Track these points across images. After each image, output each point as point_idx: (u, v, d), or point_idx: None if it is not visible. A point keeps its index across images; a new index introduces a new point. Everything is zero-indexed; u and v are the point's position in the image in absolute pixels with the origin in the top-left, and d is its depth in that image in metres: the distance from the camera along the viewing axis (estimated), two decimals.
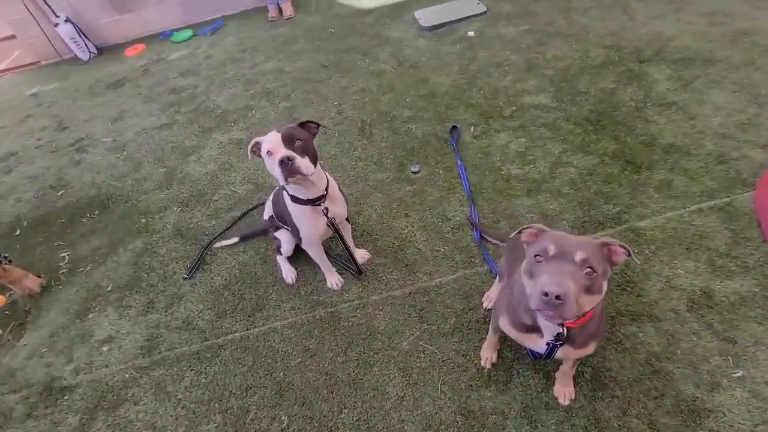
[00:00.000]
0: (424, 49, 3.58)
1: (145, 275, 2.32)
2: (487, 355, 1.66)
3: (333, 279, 2.04)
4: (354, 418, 1.62)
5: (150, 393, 1.83)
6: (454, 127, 2.67)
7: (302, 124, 1.61)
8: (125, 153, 3.24)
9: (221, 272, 2.23)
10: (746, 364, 1.49)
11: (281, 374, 1.79)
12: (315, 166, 1.55)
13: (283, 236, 2.03)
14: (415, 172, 2.51)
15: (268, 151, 1.48)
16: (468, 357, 1.69)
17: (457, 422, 1.54)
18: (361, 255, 2.10)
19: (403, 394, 1.65)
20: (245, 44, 4.34)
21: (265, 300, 2.06)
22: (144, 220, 2.64)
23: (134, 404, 1.81)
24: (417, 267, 2.04)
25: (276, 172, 1.47)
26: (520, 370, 1.62)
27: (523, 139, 2.51)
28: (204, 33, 4.81)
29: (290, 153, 1.43)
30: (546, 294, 0.93)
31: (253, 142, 1.57)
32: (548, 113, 2.61)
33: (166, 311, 2.13)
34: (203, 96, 3.69)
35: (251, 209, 2.51)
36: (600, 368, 1.56)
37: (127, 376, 1.90)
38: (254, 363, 1.85)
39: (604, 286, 1.01)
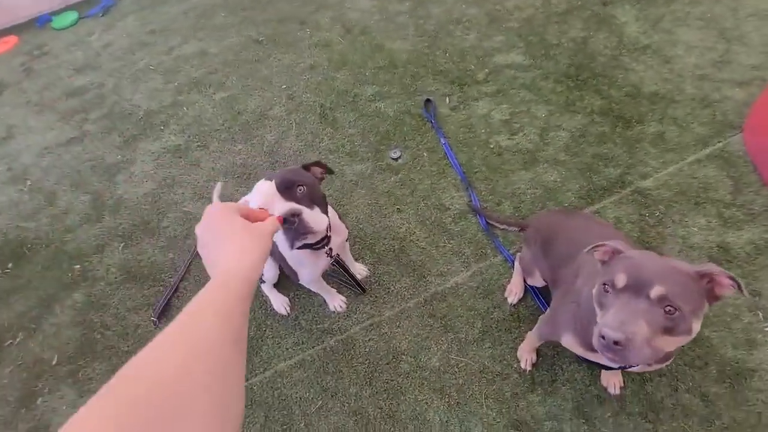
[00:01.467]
0: (369, 10, 3.16)
1: (99, 336, 1.90)
2: (527, 356, 1.54)
3: (335, 301, 1.78)
4: None
5: None
6: (428, 100, 2.40)
7: (304, 167, 1.23)
8: (29, 183, 2.59)
9: None
10: None
11: (302, 425, 1.56)
12: (327, 217, 1.19)
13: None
14: (395, 159, 2.23)
15: (260, 208, 1.07)
16: (506, 362, 1.57)
17: None
18: (358, 271, 1.83)
19: (446, 418, 1.50)
20: (152, 23, 3.60)
21: (260, 340, 1.77)
22: (78, 266, 2.15)
23: None
24: (426, 269, 1.83)
25: (277, 236, 1.10)
26: (563, 366, 1.52)
27: (504, 106, 2.31)
28: (93, 14, 3.92)
29: (294, 206, 1.04)
30: (603, 337, 0.79)
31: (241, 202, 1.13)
32: (525, 72, 2.42)
33: None
34: (114, 95, 3.02)
35: None
36: None
37: None
38: (267, 418, 1.59)
39: (695, 326, 0.82)
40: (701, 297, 0.82)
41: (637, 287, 0.81)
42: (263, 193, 1.05)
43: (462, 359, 1.60)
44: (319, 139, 2.41)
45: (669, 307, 0.79)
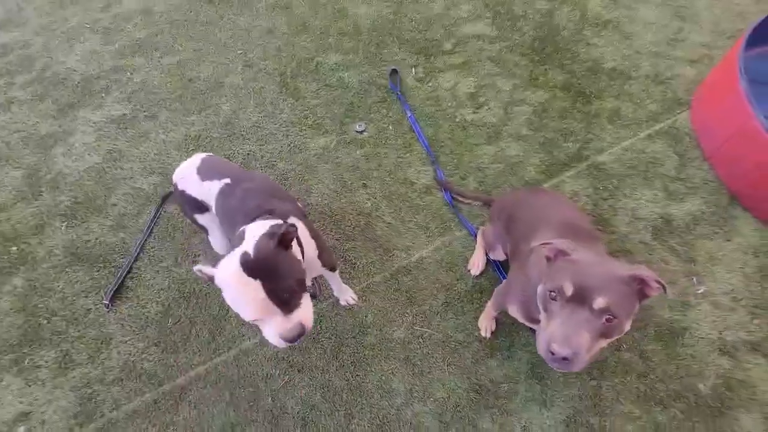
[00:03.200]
0: None
1: (45, 322, 1.78)
2: (486, 325, 1.61)
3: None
4: (366, 425, 1.50)
5: None
6: (394, 70, 2.33)
7: (277, 236, 0.99)
8: None
9: (153, 297, 1.80)
10: (706, 279, 1.66)
11: (269, 400, 1.56)
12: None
13: (213, 229, 1.53)
14: (360, 132, 2.18)
15: (255, 319, 0.98)
16: (467, 331, 1.63)
17: (472, 400, 1.51)
18: (345, 297, 1.70)
19: (410, 386, 1.55)
20: None
21: (222, 319, 1.73)
22: (15, 248, 1.97)
23: None
24: (391, 244, 1.84)
25: (269, 339, 1.01)
26: (520, 332, 1.61)
27: (471, 78, 2.29)
28: None
29: (301, 327, 0.98)
30: (552, 352, 0.85)
31: (202, 273, 1.00)
32: (491, 44, 2.39)
33: (92, 362, 1.68)
34: (45, 57, 2.69)
35: (162, 201, 1.95)
36: None
37: None
38: (233, 396, 1.58)
39: (627, 326, 0.89)
40: (634, 299, 0.89)
41: (581, 298, 0.87)
42: (254, 302, 0.94)
43: (426, 330, 1.65)
44: (280, 110, 2.29)
45: (609, 316, 0.86)
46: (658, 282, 0.87)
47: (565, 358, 0.85)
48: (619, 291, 0.87)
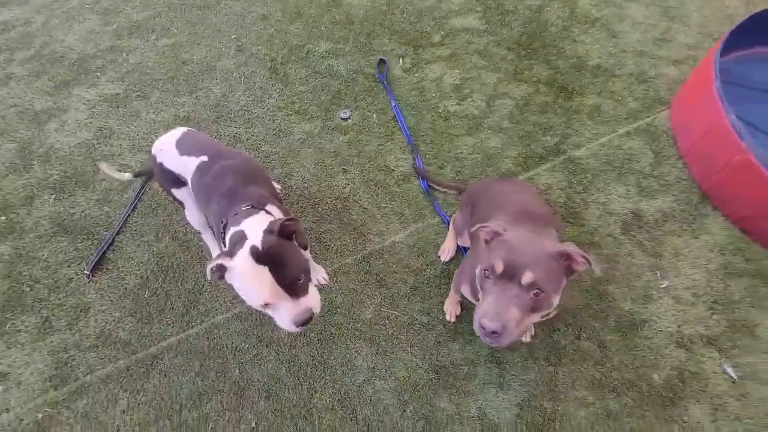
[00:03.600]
0: None
1: (28, 289, 1.84)
2: (451, 308, 1.64)
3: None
4: (327, 400, 1.55)
5: (78, 428, 1.55)
6: (382, 60, 2.36)
7: (276, 231, 1.08)
8: None
9: (133, 269, 1.85)
10: (669, 274, 1.69)
11: (237, 372, 1.62)
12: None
13: (189, 204, 1.56)
14: (345, 119, 2.22)
15: (265, 303, 1.05)
16: (432, 314, 1.67)
17: (431, 380, 1.56)
18: (317, 277, 1.74)
19: (373, 364, 1.60)
20: None
21: (197, 294, 1.78)
22: (4, 218, 2.04)
23: None
24: (366, 228, 1.88)
25: (280, 324, 1.09)
26: None
27: (456, 71, 2.32)
28: None
29: (310, 310, 1.07)
30: (483, 327, 0.90)
31: (214, 264, 1.06)
32: (480, 38, 2.41)
33: (70, 328, 1.74)
34: (44, 35, 2.76)
35: (145, 179, 2.02)
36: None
37: (39, 416, 1.57)
38: (202, 366, 1.63)
39: (555, 300, 0.95)
40: (562, 274, 0.95)
41: (510, 275, 0.92)
42: (264, 286, 1.02)
43: (393, 312, 1.69)
44: (268, 95, 2.34)
45: (536, 290, 0.91)
46: (584, 257, 0.92)
47: (495, 332, 0.89)
48: (546, 267, 0.91)
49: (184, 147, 1.47)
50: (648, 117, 2.07)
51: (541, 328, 1.61)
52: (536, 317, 0.95)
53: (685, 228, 1.77)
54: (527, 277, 0.89)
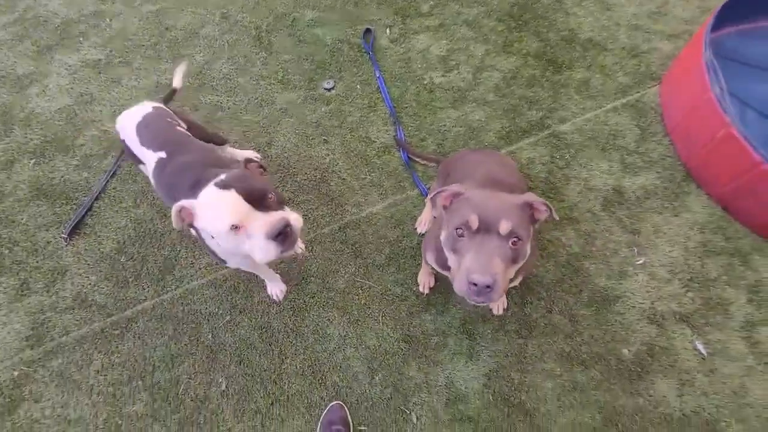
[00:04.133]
0: None
1: (7, 251, 1.85)
2: (424, 280, 1.64)
3: (275, 288, 1.65)
4: (298, 365, 1.56)
5: (53, 386, 1.57)
6: (368, 29, 2.30)
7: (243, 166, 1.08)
8: None
9: (110, 234, 1.85)
10: (647, 251, 1.67)
11: (209, 337, 1.63)
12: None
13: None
14: (328, 89, 2.17)
15: (233, 226, 0.97)
16: (406, 286, 1.67)
17: (401, 349, 1.56)
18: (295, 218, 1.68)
19: (345, 333, 1.60)
20: None
21: (173, 260, 1.78)
22: None
23: (35, 402, 1.55)
24: (344, 199, 1.87)
25: (257, 251, 0.99)
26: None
27: (444, 41, 2.26)
28: None
29: (284, 216, 0.98)
30: (475, 284, 0.84)
31: (178, 207, 1.02)
32: (469, 8, 2.34)
33: (47, 290, 1.75)
34: None
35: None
36: (528, 275, 1.64)
37: (15, 373, 1.59)
38: (175, 330, 1.65)
39: (528, 249, 0.93)
40: (529, 223, 0.93)
41: (488, 226, 0.88)
42: (232, 206, 0.97)
43: (366, 282, 1.69)
44: (251, 63, 2.29)
45: (515, 239, 0.88)
46: (545, 204, 0.92)
47: (488, 287, 0.84)
48: (517, 214, 0.90)
49: (144, 136, 1.38)
50: (637, 93, 2.01)
51: (514, 301, 1.60)
52: (514, 269, 0.92)
53: (667, 206, 1.74)
54: (505, 227, 0.87)
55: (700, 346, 1.48)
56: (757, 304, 1.54)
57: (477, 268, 0.85)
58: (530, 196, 0.94)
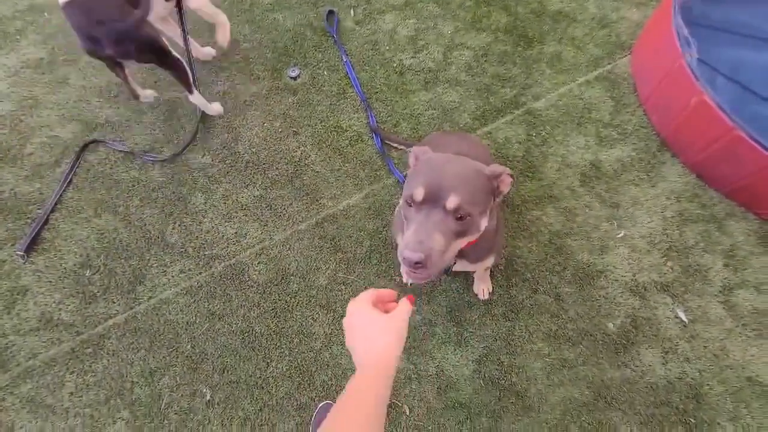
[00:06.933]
0: None
1: None
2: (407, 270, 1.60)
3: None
4: (284, 368, 1.52)
5: (24, 412, 1.48)
6: (331, 11, 2.19)
7: None
8: None
9: (72, 248, 1.74)
10: (626, 224, 1.67)
11: (189, 347, 1.56)
12: None
13: None
14: (294, 78, 2.07)
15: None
16: (389, 276, 1.63)
17: None
18: (203, 53, 2.00)
19: (330, 330, 1.56)
20: None
21: (143, 269, 1.69)
22: None
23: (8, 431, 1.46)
24: (319, 193, 1.80)
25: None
26: (442, 278, 1.62)
27: (411, 20, 2.17)
28: None
29: None
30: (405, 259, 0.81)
31: None
32: None
33: (8, 313, 1.64)
34: None
35: (81, 150, 1.88)
36: (512, 257, 1.63)
37: None
38: (152, 343, 1.57)
39: (483, 223, 0.89)
40: (489, 196, 0.88)
41: (434, 199, 0.83)
42: None
43: (349, 277, 1.64)
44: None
45: (461, 214, 0.83)
46: (511, 176, 0.89)
47: (418, 263, 0.80)
48: (473, 188, 0.85)
49: None
50: (609, 64, 1.99)
51: (499, 285, 1.59)
52: (463, 243, 0.89)
53: (643, 177, 1.75)
54: (452, 202, 0.82)
55: (681, 314, 1.50)
56: (732, 268, 1.57)
57: (411, 242, 0.81)
58: (497, 168, 0.89)
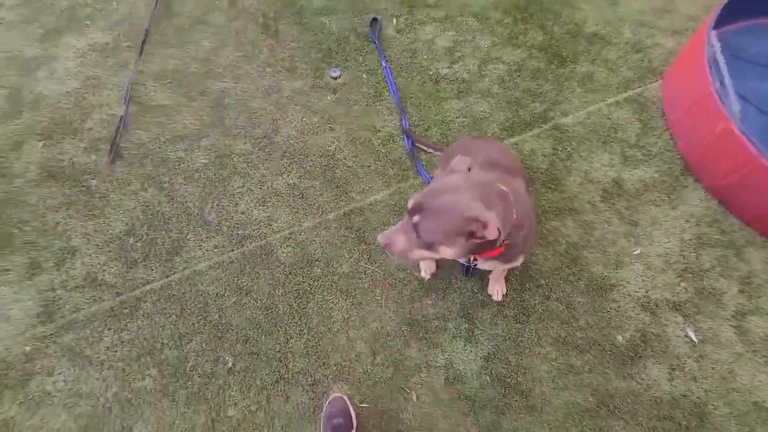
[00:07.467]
0: None
1: (17, 231, 1.88)
2: (427, 266, 1.68)
3: None
4: (302, 346, 1.61)
5: (64, 360, 1.62)
6: (374, 19, 2.32)
7: None
8: None
9: (119, 216, 1.89)
10: (643, 242, 1.71)
11: (216, 317, 1.68)
12: None
13: None
14: (335, 78, 2.20)
15: None
16: (408, 271, 1.71)
17: (403, 332, 1.61)
18: None
19: (348, 315, 1.65)
20: None
21: (181, 242, 1.82)
22: None
23: (47, 375, 1.60)
24: (349, 186, 1.90)
25: None
26: (458, 276, 1.69)
27: (450, 33, 2.28)
28: None
29: None
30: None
31: None
32: (477, 0, 2.35)
33: (57, 269, 1.79)
34: None
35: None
36: (528, 263, 1.69)
37: (28, 348, 1.64)
38: (183, 310, 1.69)
39: (446, 251, 1.02)
40: (459, 235, 0.99)
41: (412, 212, 1.01)
42: None
43: (370, 267, 1.73)
44: (259, 51, 2.31)
45: (420, 234, 1.00)
46: (496, 228, 0.96)
47: (386, 247, 1.05)
48: (439, 222, 0.98)
49: None
50: (640, 87, 2.04)
51: (513, 288, 1.65)
52: (422, 254, 1.05)
53: (664, 198, 1.78)
54: (414, 219, 1.00)
55: (691, 333, 1.53)
56: (748, 294, 1.59)
57: (386, 233, 1.05)
58: (475, 213, 0.95)
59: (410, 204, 1.01)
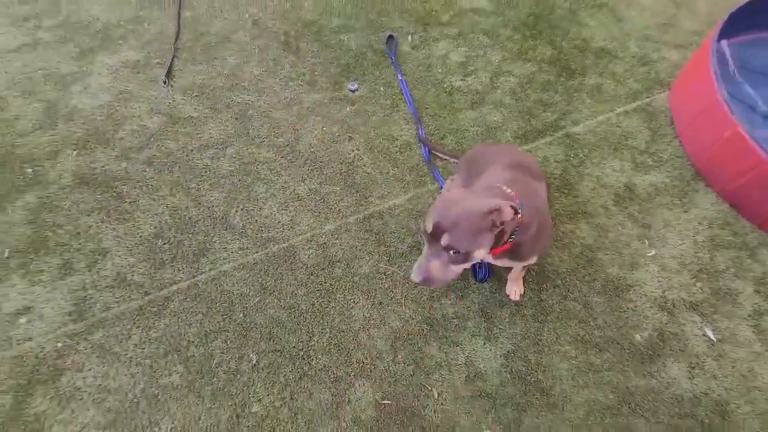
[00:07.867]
0: None
1: (51, 234, 1.97)
2: None
3: None
4: (324, 343, 1.65)
5: (94, 357, 1.67)
6: (390, 36, 2.45)
7: None
8: None
9: (148, 220, 1.97)
10: (657, 244, 1.75)
11: (241, 315, 1.73)
12: None
13: None
14: (353, 90, 2.31)
15: None
16: None
17: (423, 330, 1.65)
18: None
19: (369, 314, 1.70)
20: None
21: (207, 244, 1.89)
22: (30, 170, 2.17)
23: (77, 371, 1.64)
24: (368, 191, 1.98)
25: None
26: (476, 284, 1.73)
27: (463, 48, 2.39)
28: None
29: None
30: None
31: None
32: (487, 18, 2.48)
33: (89, 270, 1.86)
34: (71, 4, 2.88)
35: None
36: (544, 264, 1.73)
37: (59, 345, 1.69)
38: (209, 309, 1.75)
39: (480, 253, 1.07)
40: (486, 231, 1.05)
41: (436, 234, 1.06)
42: None
43: (390, 268, 1.78)
44: (281, 67, 2.44)
45: (453, 250, 1.05)
46: (512, 207, 1.03)
47: (424, 282, 1.09)
48: (466, 227, 1.02)
49: None
50: (647, 98, 2.12)
51: (530, 288, 1.69)
52: (461, 267, 1.09)
53: (676, 202, 1.83)
54: (444, 240, 1.04)
55: (709, 332, 1.55)
56: (764, 295, 1.61)
57: (416, 268, 1.09)
58: (491, 203, 1.03)
59: (428, 228, 1.05)
